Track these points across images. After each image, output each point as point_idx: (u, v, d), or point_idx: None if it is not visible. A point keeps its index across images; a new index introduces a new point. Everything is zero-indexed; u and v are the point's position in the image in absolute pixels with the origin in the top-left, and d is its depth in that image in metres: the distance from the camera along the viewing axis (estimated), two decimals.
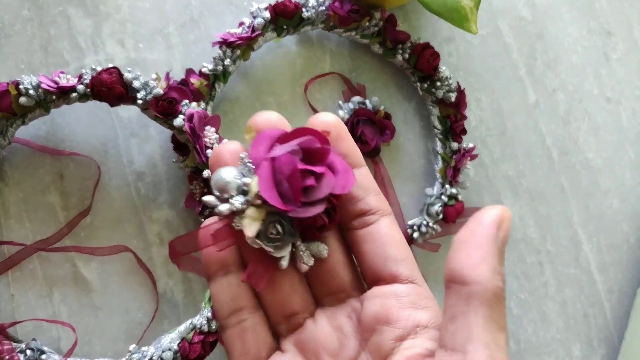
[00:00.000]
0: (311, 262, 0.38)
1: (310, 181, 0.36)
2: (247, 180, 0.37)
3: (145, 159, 0.59)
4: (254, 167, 0.37)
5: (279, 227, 0.37)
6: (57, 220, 0.58)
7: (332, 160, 0.37)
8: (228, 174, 0.38)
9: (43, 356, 0.53)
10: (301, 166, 0.36)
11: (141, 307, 0.58)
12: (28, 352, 0.53)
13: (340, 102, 0.62)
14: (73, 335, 0.56)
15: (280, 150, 0.37)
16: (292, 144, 0.37)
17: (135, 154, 0.59)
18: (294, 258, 0.38)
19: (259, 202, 0.36)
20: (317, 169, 0.37)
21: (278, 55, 0.63)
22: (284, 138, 0.38)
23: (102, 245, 0.58)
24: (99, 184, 0.58)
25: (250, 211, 0.37)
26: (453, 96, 0.60)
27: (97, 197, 0.58)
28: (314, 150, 0.37)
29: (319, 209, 0.36)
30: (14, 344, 0.54)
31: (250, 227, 0.36)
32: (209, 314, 0.52)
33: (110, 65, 0.54)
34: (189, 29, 0.62)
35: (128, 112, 0.60)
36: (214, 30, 0.62)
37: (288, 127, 0.40)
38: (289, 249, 0.38)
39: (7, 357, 0.53)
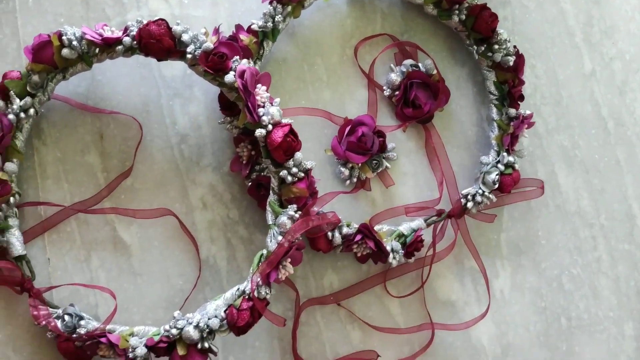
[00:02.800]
0: None
1: None
2: None
3: (189, 121, 0.57)
4: None
5: None
6: (96, 182, 0.55)
7: None
8: None
9: (82, 322, 0.51)
10: None
11: (182, 274, 0.56)
12: (66, 317, 0.51)
13: (392, 65, 0.60)
14: (111, 301, 0.54)
15: None
16: None
17: (178, 115, 0.57)
18: None
19: None
20: None
21: (327, 15, 0.60)
22: None
23: (142, 209, 0.55)
24: (140, 145, 0.56)
25: None
26: (511, 60, 0.57)
27: (139, 158, 0.56)
28: None
29: None
30: (51, 310, 0.52)
31: None
32: (259, 280, 0.49)
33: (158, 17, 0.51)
34: None
35: (172, 71, 0.57)
36: None
37: None
38: None
39: (43, 323, 0.51)
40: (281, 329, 0.56)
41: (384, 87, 0.59)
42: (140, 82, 0.57)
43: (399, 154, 0.59)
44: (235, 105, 0.53)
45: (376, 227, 0.56)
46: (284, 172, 0.50)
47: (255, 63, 0.55)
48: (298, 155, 0.50)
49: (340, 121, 0.57)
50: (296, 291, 0.56)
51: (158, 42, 0.49)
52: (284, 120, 0.50)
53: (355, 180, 0.58)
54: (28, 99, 0.51)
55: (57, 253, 0.55)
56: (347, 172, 0.57)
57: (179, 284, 0.55)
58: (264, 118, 0.49)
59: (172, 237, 0.56)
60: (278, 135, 0.49)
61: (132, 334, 0.51)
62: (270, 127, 0.49)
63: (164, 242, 0.56)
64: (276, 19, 0.54)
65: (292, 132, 0.50)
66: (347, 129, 0.56)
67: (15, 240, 0.52)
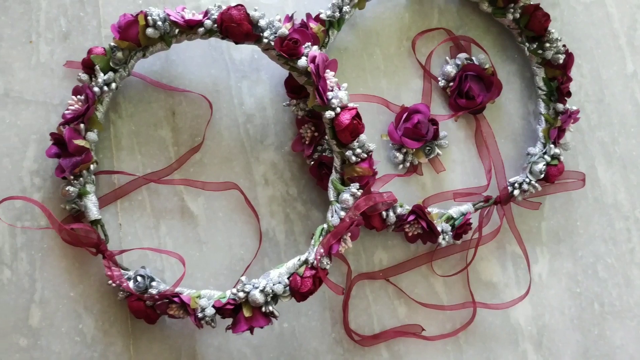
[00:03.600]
0: None
1: None
2: None
3: (255, 102, 0.61)
4: None
5: None
6: (167, 155, 0.59)
7: None
8: None
9: (153, 283, 0.55)
10: None
11: (243, 244, 0.59)
12: (139, 279, 0.55)
13: (447, 58, 0.63)
14: (177, 267, 0.58)
15: None
16: None
17: (245, 96, 0.61)
18: None
19: None
20: None
21: (387, 7, 0.63)
22: None
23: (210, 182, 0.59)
24: (210, 122, 0.59)
25: None
26: (562, 58, 0.60)
27: (208, 135, 0.60)
28: None
29: None
30: (122, 271, 0.56)
31: None
32: (322, 249, 0.53)
33: (235, 3, 0.55)
34: None
35: (240, 55, 0.61)
36: None
37: None
38: None
39: (117, 282, 0.55)
40: (332, 300, 0.59)
41: (439, 78, 0.62)
42: (211, 63, 0.60)
43: (449, 142, 0.63)
44: (301, 88, 0.57)
45: (427, 209, 0.60)
46: (349, 152, 0.54)
47: (320, 50, 0.59)
48: (362, 137, 0.54)
49: (396, 109, 0.61)
50: (348, 266, 0.59)
51: (238, 26, 0.53)
52: (350, 104, 0.54)
53: (407, 164, 0.61)
54: (111, 74, 0.55)
55: (129, 219, 0.58)
56: (400, 157, 0.61)
57: (240, 253, 0.59)
58: (333, 101, 0.53)
59: (236, 210, 0.60)
60: (346, 117, 0.53)
61: (199, 297, 0.55)
62: (338, 109, 0.53)
63: (228, 214, 0.59)
64: (343, 9, 0.58)
65: (358, 115, 0.54)
66: (404, 115, 0.60)
67: (92, 205, 0.56)
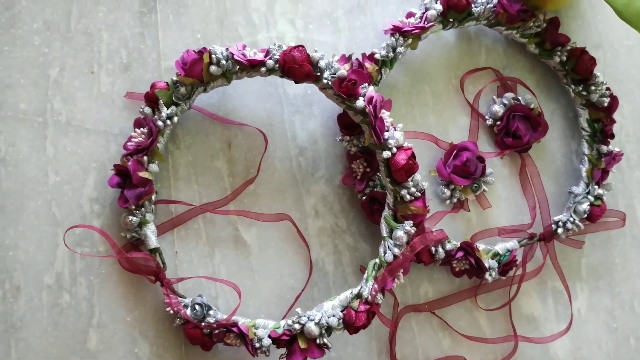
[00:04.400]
0: None
1: None
2: None
3: (307, 135, 0.63)
4: None
5: None
6: (222, 185, 0.61)
7: None
8: None
9: (210, 312, 0.57)
10: None
11: (293, 274, 0.61)
12: (196, 307, 0.57)
13: (494, 97, 0.65)
14: (230, 294, 0.59)
15: None
16: None
17: (298, 129, 0.62)
18: None
19: None
20: None
21: (436, 46, 0.65)
22: None
23: (263, 213, 0.61)
24: (264, 154, 0.61)
25: None
26: (606, 101, 0.62)
27: (261, 167, 0.61)
28: None
29: None
30: (179, 299, 0.57)
31: None
32: (377, 286, 0.55)
33: (294, 44, 0.57)
34: (356, 15, 0.64)
35: (294, 90, 0.63)
36: (379, 17, 0.65)
37: None
38: None
39: (175, 310, 0.56)
40: (379, 331, 0.61)
41: (487, 117, 0.64)
42: (266, 98, 0.62)
43: (495, 179, 0.64)
44: (354, 125, 0.59)
45: None
46: (404, 191, 0.55)
47: (373, 87, 0.60)
48: (417, 176, 0.56)
49: (445, 145, 0.63)
50: (395, 298, 0.61)
51: (300, 67, 0.55)
52: (406, 144, 0.56)
53: (454, 200, 0.63)
54: (173, 108, 0.57)
55: (185, 247, 0.60)
56: (448, 193, 0.62)
57: (290, 282, 0.61)
58: (390, 141, 0.55)
59: (287, 240, 0.61)
60: (402, 157, 0.55)
61: (254, 326, 0.57)
62: (394, 149, 0.55)
63: (279, 244, 0.61)
64: (397, 50, 0.60)
65: (413, 155, 0.55)
66: (453, 153, 0.62)
67: (152, 234, 0.57)
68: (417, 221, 0.56)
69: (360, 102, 0.55)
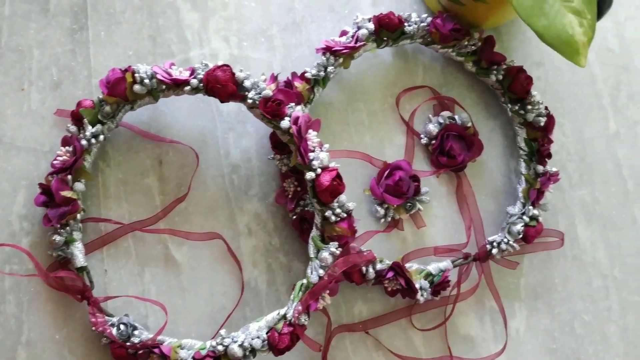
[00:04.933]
0: None
1: None
2: None
3: (240, 153, 0.62)
4: None
5: None
6: (153, 203, 0.61)
7: None
8: None
9: (135, 332, 0.56)
10: None
11: (225, 293, 0.61)
12: (121, 326, 0.56)
13: (430, 116, 0.64)
14: (160, 313, 0.59)
15: None
16: None
17: (231, 147, 0.62)
18: None
19: None
20: None
21: (373, 64, 0.65)
22: None
23: (194, 231, 0.60)
24: (196, 172, 0.61)
25: None
26: (542, 120, 0.62)
27: (193, 185, 0.61)
28: None
29: None
30: (106, 317, 0.57)
31: None
32: (300, 307, 0.54)
33: (221, 62, 0.56)
34: (291, 32, 0.64)
35: (227, 107, 0.62)
36: (315, 35, 0.64)
37: None
38: None
39: (100, 329, 0.56)
40: (311, 351, 0.61)
41: (422, 136, 0.64)
42: (198, 114, 0.62)
43: (431, 198, 0.64)
44: (286, 144, 0.58)
45: (406, 265, 0.61)
46: (328, 212, 0.55)
47: (305, 106, 0.60)
48: (342, 197, 0.55)
49: (380, 164, 0.62)
50: (328, 317, 0.61)
51: (223, 87, 0.55)
52: (332, 165, 0.55)
53: (389, 219, 0.62)
54: (99, 126, 0.56)
55: (114, 266, 0.60)
56: (382, 212, 0.62)
57: (222, 302, 0.60)
58: (314, 162, 0.54)
59: (219, 259, 0.61)
60: (326, 179, 0.54)
61: (180, 346, 0.56)
62: (319, 170, 0.54)
63: (211, 263, 0.61)
64: (329, 69, 0.59)
65: (338, 176, 0.55)
66: (386, 172, 0.61)
67: (79, 253, 0.57)
68: (342, 242, 0.55)
69: (286, 123, 0.55)
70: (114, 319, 0.57)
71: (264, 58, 0.63)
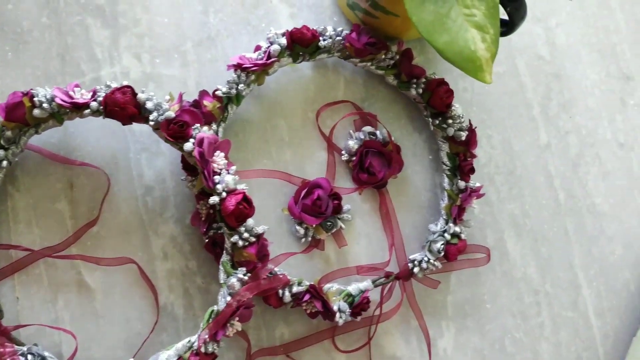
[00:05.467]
0: None
1: None
2: None
3: (154, 174, 0.60)
4: None
5: None
6: (64, 228, 0.59)
7: None
8: None
9: None
10: None
11: (141, 318, 0.59)
12: (29, 357, 0.55)
13: (351, 131, 0.63)
14: (74, 340, 0.57)
15: None
16: None
17: (145, 168, 0.60)
18: None
19: None
20: None
21: (292, 79, 0.63)
22: None
23: (107, 256, 0.59)
24: (107, 195, 0.59)
25: None
26: (464, 135, 0.60)
27: (105, 208, 0.59)
28: None
29: None
30: (16, 347, 0.55)
31: None
32: (207, 336, 0.53)
33: (125, 82, 0.54)
34: (206, 48, 0.62)
35: (140, 126, 0.60)
36: (230, 50, 0.62)
37: None
38: None
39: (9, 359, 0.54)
40: None
41: (342, 152, 0.62)
42: (110, 135, 0.60)
43: (354, 215, 0.62)
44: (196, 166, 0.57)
45: (326, 286, 0.59)
46: (235, 237, 0.53)
47: (219, 125, 0.58)
48: (250, 221, 0.53)
49: (299, 182, 0.60)
50: (248, 342, 0.59)
51: (122, 110, 0.53)
52: (240, 187, 0.54)
53: (310, 239, 0.61)
54: (1, 152, 0.55)
55: (26, 293, 0.58)
56: (302, 231, 0.60)
57: (137, 327, 0.59)
58: (219, 186, 0.52)
59: (134, 284, 0.59)
60: (231, 203, 0.52)
61: None
62: (224, 194, 0.53)
63: (125, 288, 0.59)
64: (240, 87, 0.57)
65: (245, 199, 0.53)
66: (304, 191, 0.59)
67: None
68: (250, 268, 0.54)
69: (189, 145, 0.53)
70: (24, 348, 0.56)
71: (178, 75, 0.61)
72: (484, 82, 0.48)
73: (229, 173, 0.54)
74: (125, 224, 0.60)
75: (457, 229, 0.60)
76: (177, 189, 0.60)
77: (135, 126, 0.60)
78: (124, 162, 0.60)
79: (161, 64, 0.61)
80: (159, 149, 0.61)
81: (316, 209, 0.59)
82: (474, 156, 0.61)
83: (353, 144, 0.61)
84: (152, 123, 0.54)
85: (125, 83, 0.55)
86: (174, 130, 0.53)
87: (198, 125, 0.54)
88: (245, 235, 0.53)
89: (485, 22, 0.48)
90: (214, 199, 0.52)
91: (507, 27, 0.54)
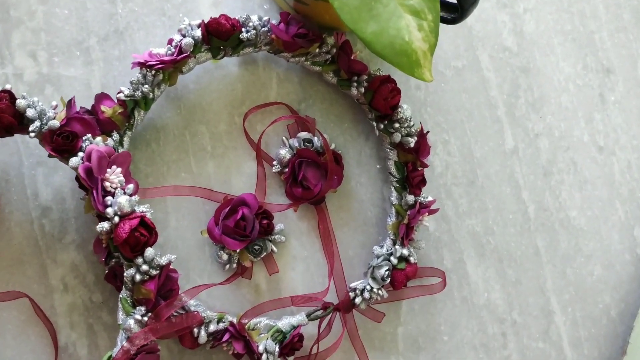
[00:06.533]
0: None
1: None
2: None
3: (52, 192, 0.52)
4: None
5: None
6: None
7: None
8: None
9: None
10: None
11: None
12: None
13: (284, 138, 0.54)
14: None
15: None
16: None
17: (41, 185, 0.52)
18: None
19: None
20: None
21: (215, 77, 0.54)
22: None
23: None
24: None
25: None
26: (412, 141, 0.51)
27: None
28: None
29: None
30: None
31: None
32: None
33: (8, 86, 0.46)
34: (113, 43, 0.53)
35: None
36: (142, 45, 0.53)
37: None
38: None
39: None
40: None
41: (274, 163, 0.53)
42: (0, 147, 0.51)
43: (289, 236, 0.53)
44: None
45: (253, 321, 0.51)
46: (131, 271, 0.44)
47: (124, 134, 0.49)
48: (149, 251, 0.45)
49: (221, 199, 0.52)
50: None
51: None
52: (140, 209, 0.45)
53: (235, 265, 0.52)
54: None
55: None
56: (225, 257, 0.51)
57: None
58: (109, 210, 0.44)
59: (29, 321, 0.51)
60: (124, 230, 0.44)
61: None
62: (116, 219, 0.44)
63: (18, 327, 0.50)
64: (144, 88, 0.48)
65: (143, 224, 0.44)
66: (225, 210, 0.51)
67: None
68: (150, 307, 0.45)
69: (75, 160, 0.44)
70: None
71: (80, 75, 0.53)
72: (423, 79, 0.40)
73: (124, 193, 0.45)
74: (17, 252, 0.51)
75: (405, 251, 0.51)
76: (78, 209, 0.52)
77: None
78: (16, 179, 0.51)
79: (61, 63, 0.52)
80: (58, 163, 0.52)
81: (240, 231, 0.50)
82: (425, 165, 0.52)
83: (285, 153, 0.52)
84: (32, 135, 0.45)
85: (7, 87, 0.46)
86: (58, 143, 0.44)
87: (89, 135, 0.46)
88: (144, 267, 0.44)
89: (423, 7, 0.39)
90: (101, 225, 0.44)
91: (458, 14, 0.45)
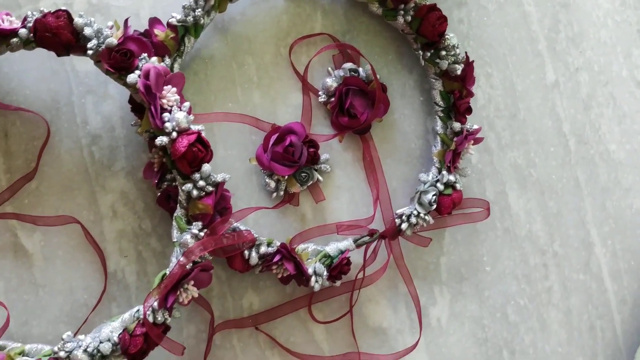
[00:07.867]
0: None
1: None
2: None
3: (102, 120, 0.52)
4: None
5: None
6: None
7: None
8: None
9: None
10: None
11: (88, 287, 0.51)
12: None
13: (330, 69, 0.54)
14: (12, 313, 0.49)
15: None
16: None
17: (90, 113, 0.52)
18: None
19: None
20: None
21: (262, 9, 0.54)
22: None
23: (47, 215, 0.51)
24: (46, 145, 0.51)
25: None
26: (459, 68, 0.52)
27: (45, 160, 0.51)
28: None
29: None
30: None
31: None
32: (156, 304, 0.45)
33: (63, 7, 0.46)
34: None
35: (85, 66, 0.52)
36: None
37: None
38: None
39: None
40: (193, 351, 0.51)
41: (320, 92, 0.54)
42: (50, 76, 0.52)
43: (333, 166, 0.54)
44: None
45: (301, 247, 0.51)
46: (188, 186, 0.45)
47: (174, 61, 0.50)
48: (206, 167, 0.45)
49: (268, 127, 0.52)
50: (211, 313, 0.51)
51: (55, 36, 0.45)
52: (194, 127, 0.45)
53: (282, 193, 0.53)
54: None
55: None
56: (273, 185, 0.52)
57: (83, 298, 0.51)
58: (167, 125, 0.44)
59: (78, 247, 0.51)
60: (182, 144, 0.44)
61: (22, 353, 0.47)
62: (174, 134, 0.44)
63: (69, 252, 0.51)
64: (197, 12, 0.49)
65: (200, 140, 0.45)
66: (274, 137, 0.51)
67: None
68: (207, 222, 0.46)
69: (133, 77, 0.45)
70: None
71: (129, 5, 0.53)
72: None
73: (181, 110, 0.45)
74: (67, 179, 0.52)
75: (452, 177, 0.52)
76: (128, 137, 0.52)
77: (79, 65, 0.52)
78: (66, 107, 0.52)
79: None
80: (107, 91, 0.52)
81: (288, 158, 0.51)
82: (471, 94, 0.52)
83: (331, 83, 0.53)
84: (90, 52, 0.45)
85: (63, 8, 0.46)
86: (116, 60, 0.45)
87: (145, 55, 0.46)
88: (201, 183, 0.45)
89: None
90: (161, 139, 0.44)
91: None
